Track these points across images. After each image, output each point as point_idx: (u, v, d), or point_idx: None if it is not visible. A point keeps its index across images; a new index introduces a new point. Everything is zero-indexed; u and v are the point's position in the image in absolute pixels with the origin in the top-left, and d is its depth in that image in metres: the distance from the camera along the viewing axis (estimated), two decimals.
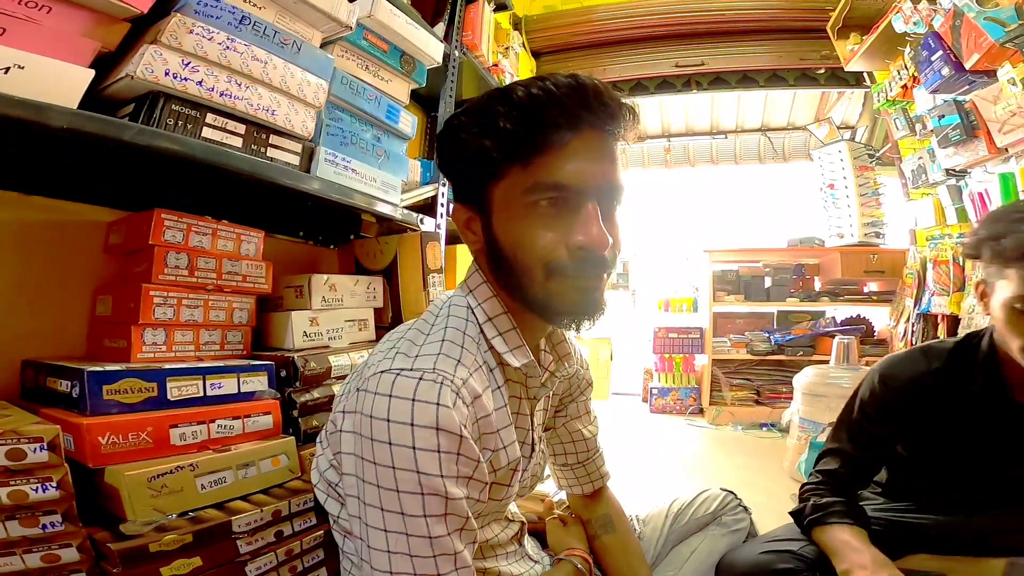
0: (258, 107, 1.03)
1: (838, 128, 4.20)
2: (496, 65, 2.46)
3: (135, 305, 0.99)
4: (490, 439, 0.71)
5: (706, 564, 1.07)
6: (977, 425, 1.06)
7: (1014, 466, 1.06)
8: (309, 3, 1.11)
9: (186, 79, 0.91)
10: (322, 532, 1.00)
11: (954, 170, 2.40)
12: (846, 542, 1.00)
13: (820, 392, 2.71)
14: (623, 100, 0.72)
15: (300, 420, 1.12)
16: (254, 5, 1.05)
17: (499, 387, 0.76)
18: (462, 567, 0.64)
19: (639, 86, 3.74)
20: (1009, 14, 1.82)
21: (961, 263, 2.48)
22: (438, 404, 0.62)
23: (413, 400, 0.62)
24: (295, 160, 1.13)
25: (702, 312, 4.54)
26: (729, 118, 4.97)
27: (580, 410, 1.05)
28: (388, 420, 0.61)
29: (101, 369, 0.86)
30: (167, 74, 0.88)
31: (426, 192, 1.81)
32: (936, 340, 1.17)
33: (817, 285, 4.30)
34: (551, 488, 1.18)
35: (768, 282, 4.31)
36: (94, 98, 0.83)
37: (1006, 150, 2.02)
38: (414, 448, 0.61)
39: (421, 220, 1.59)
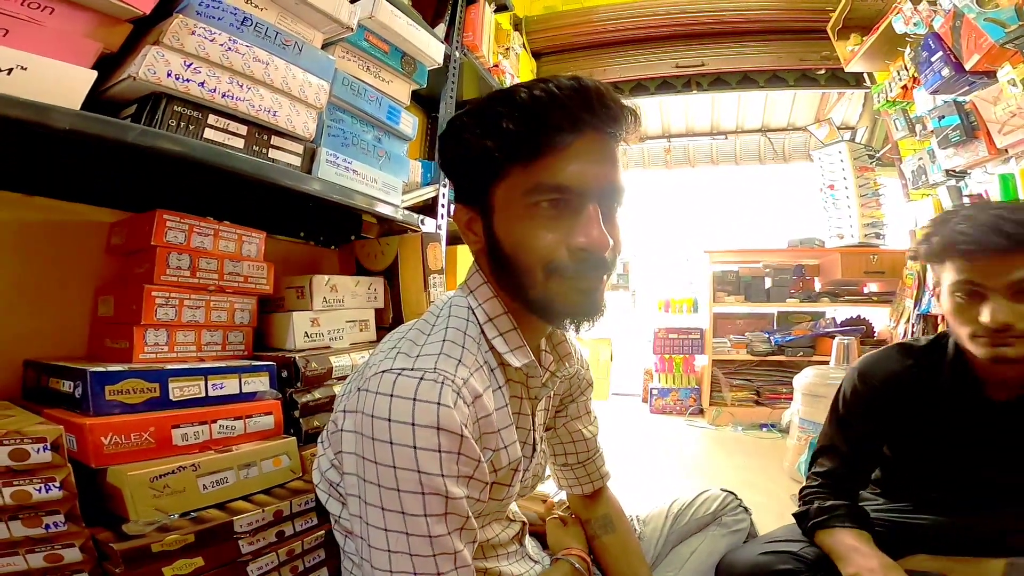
0: (260, 108, 1.03)
1: (838, 129, 4.20)
2: (497, 66, 2.46)
3: (137, 306, 0.99)
4: (491, 439, 0.72)
5: (706, 564, 1.08)
6: (955, 425, 1.07)
7: (992, 466, 1.06)
8: (310, 4, 1.11)
9: (188, 80, 0.91)
10: (323, 532, 1.00)
11: (954, 171, 2.39)
12: (853, 546, 1.00)
13: (820, 393, 2.71)
14: (625, 102, 0.72)
15: (301, 420, 1.12)
16: (256, 6, 1.05)
17: (500, 387, 0.77)
18: (462, 566, 0.64)
19: (639, 86, 3.74)
20: (1009, 15, 1.82)
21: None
22: (439, 404, 0.62)
23: (414, 400, 0.62)
24: (296, 161, 1.13)
25: (702, 313, 4.55)
26: (729, 119, 4.97)
27: (580, 410, 1.05)
28: (389, 420, 0.62)
29: (104, 370, 0.86)
30: (169, 75, 0.88)
31: (427, 193, 1.82)
32: (913, 338, 1.18)
33: (817, 286, 4.30)
34: (551, 488, 1.18)
35: (768, 283, 4.31)
36: (96, 99, 0.83)
37: (1006, 151, 2.02)
38: (415, 447, 0.61)
39: (422, 221, 1.59)
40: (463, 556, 0.65)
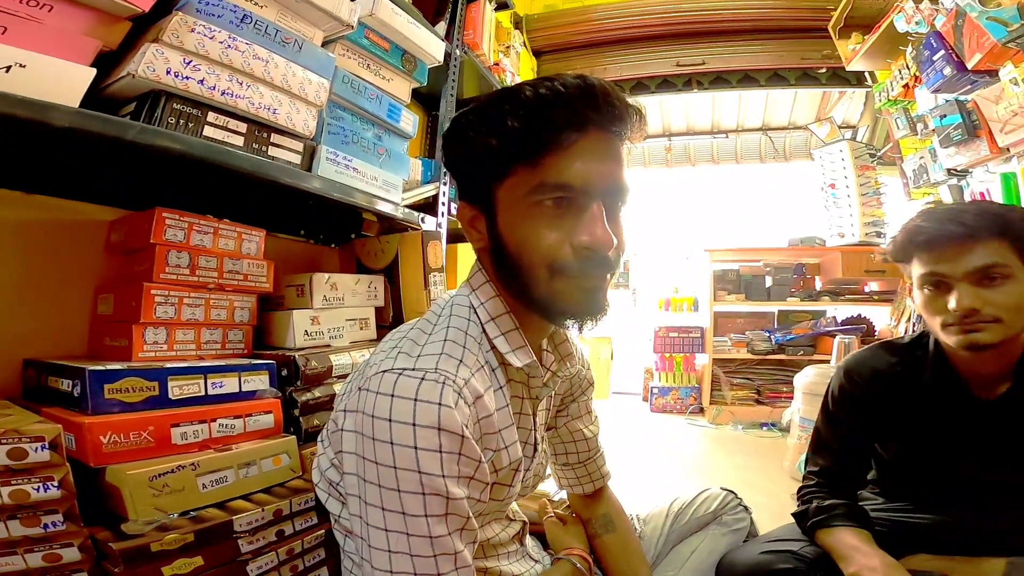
0: (259, 106, 1.03)
1: (839, 127, 4.19)
2: (497, 64, 2.45)
3: (136, 304, 0.99)
4: (492, 439, 0.71)
5: (706, 564, 1.08)
6: (942, 423, 1.08)
7: (981, 464, 1.07)
8: (310, 2, 1.11)
9: (188, 78, 0.91)
10: (323, 531, 1.00)
11: (956, 170, 2.39)
12: (854, 546, 1.00)
13: (821, 392, 2.66)
14: (629, 101, 0.72)
15: (301, 419, 1.12)
16: (255, 4, 1.05)
17: (501, 387, 0.76)
18: (462, 566, 0.64)
19: (640, 85, 3.74)
20: (1011, 14, 1.81)
21: None
22: (440, 404, 0.62)
23: (415, 400, 0.62)
24: (296, 159, 1.13)
25: (703, 311, 4.54)
26: (730, 117, 4.96)
27: (581, 410, 1.05)
28: (390, 420, 0.61)
29: (103, 368, 0.86)
30: (169, 73, 0.88)
31: (427, 191, 1.81)
32: (898, 336, 1.18)
33: (818, 285, 4.30)
34: (552, 488, 1.18)
35: (769, 281, 4.31)
36: (96, 97, 0.82)
37: (1008, 150, 2.02)
38: (416, 448, 0.61)
39: (422, 219, 1.59)
40: (463, 556, 0.64)
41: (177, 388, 0.93)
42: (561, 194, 0.69)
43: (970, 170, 2.34)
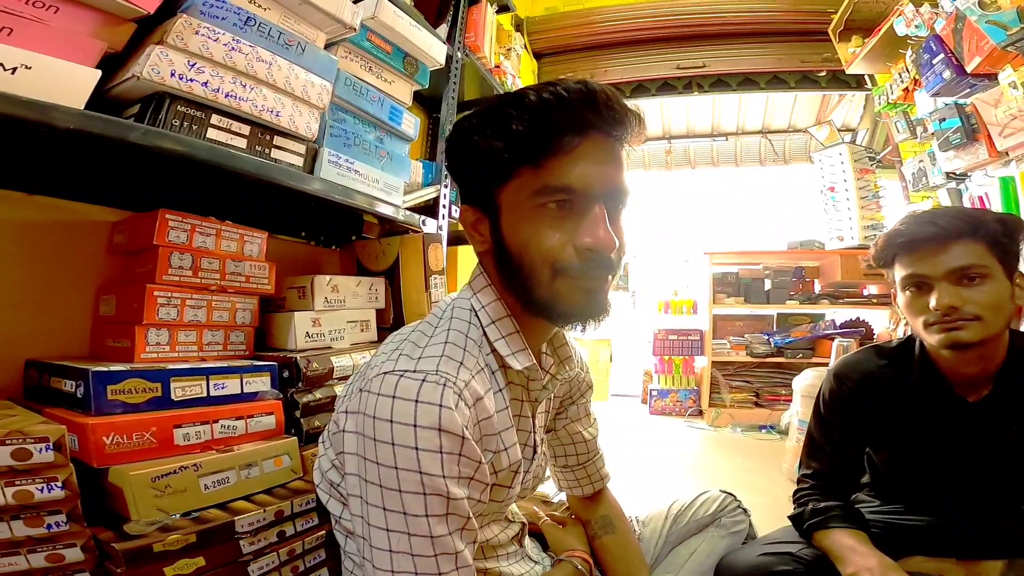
0: (263, 108, 1.03)
1: (839, 131, 4.20)
2: (498, 66, 2.46)
3: (139, 305, 0.99)
4: (492, 441, 0.72)
5: (705, 565, 1.08)
6: (931, 426, 1.09)
7: (971, 467, 1.07)
8: (313, 4, 1.12)
9: (192, 80, 0.91)
10: (324, 532, 1.00)
11: (955, 173, 2.39)
12: (850, 547, 1.01)
13: None
14: (629, 106, 0.73)
15: (302, 421, 1.12)
16: (259, 6, 1.05)
17: (501, 389, 0.77)
18: (463, 566, 0.65)
19: (640, 88, 3.74)
20: (1011, 17, 1.82)
21: None
22: (440, 405, 0.62)
23: (416, 401, 0.62)
24: (299, 161, 1.14)
25: (702, 314, 4.55)
26: (730, 120, 4.97)
27: (580, 412, 1.05)
28: (391, 421, 0.62)
29: (106, 369, 0.86)
30: (173, 75, 0.88)
31: (428, 193, 1.82)
32: (888, 340, 1.20)
33: (817, 288, 4.30)
34: (552, 489, 1.18)
35: (768, 284, 4.32)
36: (100, 98, 0.83)
37: (1006, 154, 2.02)
38: (416, 449, 0.61)
39: (423, 221, 1.59)
40: (464, 556, 0.65)
41: (179, 389, 0.94)
42: (564, 196, 0.70)
43: (969, 174, 2.34)
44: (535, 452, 0.88)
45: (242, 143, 1.02)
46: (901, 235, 1.04)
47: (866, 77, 3.30)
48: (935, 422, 1.08)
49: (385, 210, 1.39)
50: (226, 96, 0.97)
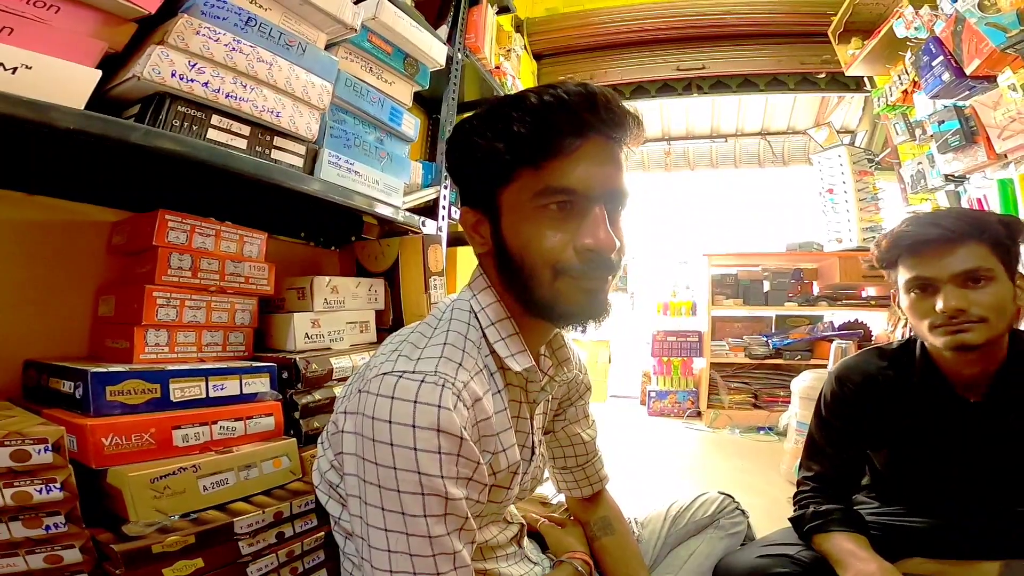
0: (263, 109, 1.03)
1: (838, 132, 4.21)
2: (498, 67, 2.46)
3: (138, 306, 0.99)
4: (490, 442, 0.72)
5: (704, 567, 1.08)
6: (933, 427, 1.09)
7: (972, 467, 1.08)
8: (314, 5, 1.11)
9: (192, 80, 0.91)
10: (323, 533, 1.00)
11: (953, 175, 2.40)
12: (851, 551, 1.01)
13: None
14: (629, 108, 0.73)
15: (301, 422, 1.12)
16: (260, 7, 1.05)
17: (499, 391, 0.77)
18: (461, 566, 0.65)
19: (640, 89, 3.75)
20: (1010, 20, 1.83)
21: None
22: (439, 406, 0.63)
23: (415, 402, 0.63)
24: (299, 162, 1.13)
25: (700, 316, 4.55)
26: (729, 122, 4.98)
27: (579, 414, 1.06)
28: (390, 421, 0.62)
29: (105, 370, 0.86)
30: (173, 75, 0.88)
31: (428, 194, 1.81)
32: (888, 342, 1.20)
33: (815, 289, 4.31)
34: (551, 491, 1.18)
35: (767, 286, 4.32)
36: (100, 99, 0.83)
37: (1005, 156, 2.03)
38: (415, 449, 0.61)
39: (423, 222, 1.59)
40: (462, 556, 0.65)
41: (178, 390, 0.93)
42: (564, 198, 0.71)
43: (967, 176, 2.35)
44: (533, 453, 0.88)
45: (242, 144, 1.02)
46: (906, 237, 1.03)
47: (865, 79, 3.31)
48: (937, 422, 1.08)
49: (385, 211, 1.39)
50: (226, 97, 0.97)
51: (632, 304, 5.53)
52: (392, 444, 0.62)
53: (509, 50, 2.68)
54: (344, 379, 1.19)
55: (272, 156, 1.08)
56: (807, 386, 2.78)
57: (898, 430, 1.12)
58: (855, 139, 4.28)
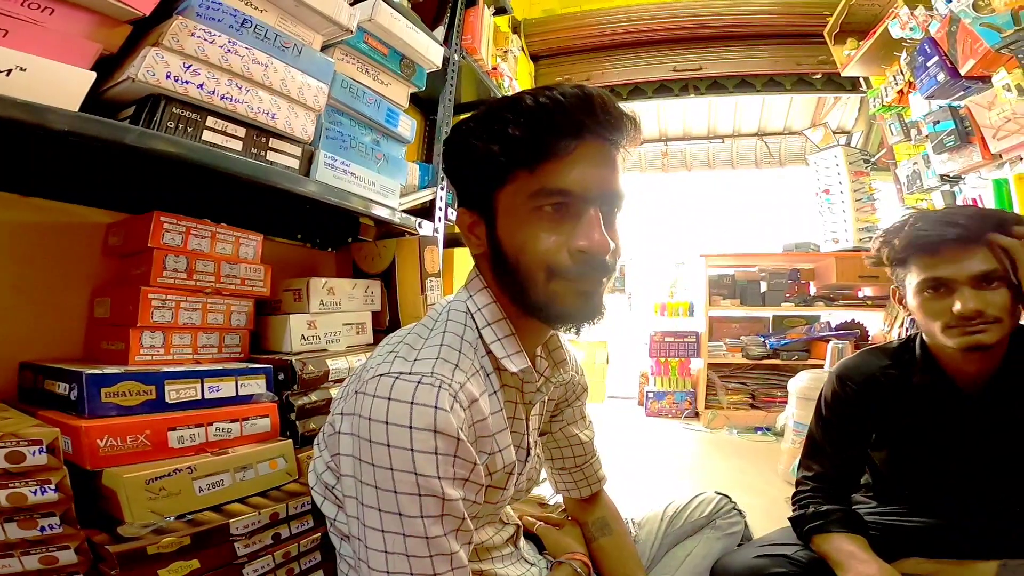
0: (258, 110, 1.03)
1: (834, 133, 4.23)
2: (495, 69, 2.46)
3: (133, 307, 0.99)
4: (486, 442, 0.72)
5: (701, 567, 1.08)
6: (934, 423, 1.09)
7: (973, 462, 1.08)
8: (310, 7, 1.11)
9: (187, 82, 0.91)
10: (319, 535, 1.00)
11: (948, 176, 2.41)
12: (850, 552, 1.01)
13: (815, 396, 2.67)
14: (626, 111, 0.74)
15: (298, 423, 1.12)
16: (255, 8, 1.05)
17: (495, 392, 0.77)
18: (458, 567, 0.65)
19: (637, 90, 3.75)
20: (1005, 20, 1.83)
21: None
22: (436, 407, 0.63)
23: (411, 403, 0.63)
24: (295, 164, 1.13)
25: (698, 316, 4.56)
26: (726, 122, 4.99)
27: (576, 415, 1.06)
28: (386, 422, 0.62)
29: (100, 372, 0.86)
30: (168, 77, 0.88)
31: (424, 196, 1.81)
32: (888, 341, 1.21)
33: (812, 290, 4.31)
34: (549, 491, 1.18)
35: (764, 286, 4.33)
36: (95, 100, 0.83)
37: (1000, 156, 2.04)
38: (412, 450, 0.61)
39: (419, 224, 1.59)
40: (459, 557, 0.65)
41: (174, 392, 0.93)
42: (560, 199, 0.71)
43: (963, 176, 2.35)
44: (528, 454, 0.88)
45: (238, 145, 1.02)
46: (923, 235, 1.02)
47: (861, 80, 3.32)
48: (938, 419, 1.08)
49: (381, 212, 1.39)
50: (222, 98, 0.97)
51: (630, 305, 5.54)
52: (389, 445, 0.62)
53: (506, 51, 2.68)
54: (340, 381, 1.19)
55: (268, 158, 1.08)
56: (804, 386, 2.79)
57: (899, 428, 1.12)
58: (851, 140, 4.29)
